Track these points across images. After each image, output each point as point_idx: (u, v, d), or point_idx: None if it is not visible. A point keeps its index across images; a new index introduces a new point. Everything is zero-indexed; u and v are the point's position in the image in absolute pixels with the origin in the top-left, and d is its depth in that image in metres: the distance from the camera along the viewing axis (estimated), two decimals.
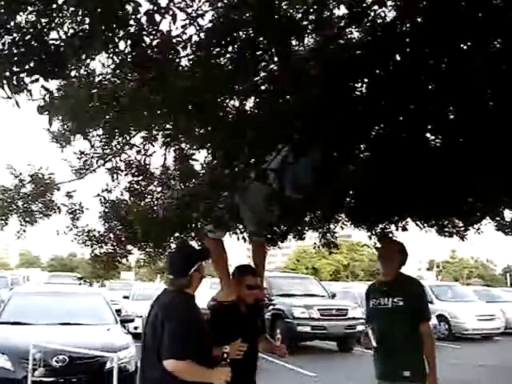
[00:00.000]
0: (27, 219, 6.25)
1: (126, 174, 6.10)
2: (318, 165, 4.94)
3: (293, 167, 4.91)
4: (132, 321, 12.57)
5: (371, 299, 5.11)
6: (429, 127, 5.23)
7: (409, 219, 7.15)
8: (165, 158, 6.09)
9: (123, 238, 6.13)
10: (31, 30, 3.27)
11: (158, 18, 3.33)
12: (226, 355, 3.84)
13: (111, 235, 6.25)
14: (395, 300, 4.88)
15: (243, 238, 5.97)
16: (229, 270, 4.91)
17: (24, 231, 6.39)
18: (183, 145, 5.59)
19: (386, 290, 4.99)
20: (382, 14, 4.64)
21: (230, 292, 4.63)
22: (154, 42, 3.43)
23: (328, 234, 7.73)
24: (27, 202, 6.16)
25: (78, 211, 6.59)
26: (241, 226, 5.84)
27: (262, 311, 5.03)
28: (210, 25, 3.95)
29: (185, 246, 5.01)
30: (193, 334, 3.63)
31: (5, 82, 3.17)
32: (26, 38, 3.24)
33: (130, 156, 6.20)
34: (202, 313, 4.08)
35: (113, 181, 6.09)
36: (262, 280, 5.21)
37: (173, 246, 6.02)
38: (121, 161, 6.03)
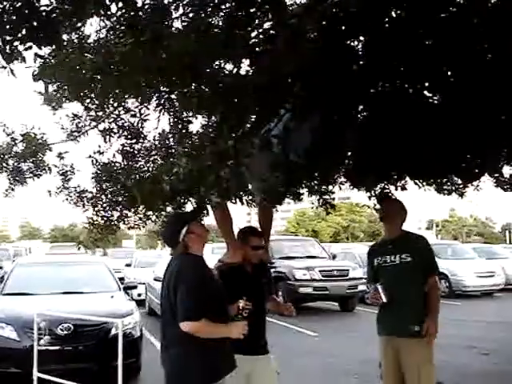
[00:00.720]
0: (17, 178, 6.20)
1: (118, 137, 6.05)
2: (318, 128, 4.91)
3: (295, 132, 4.90)
4: (135, 287, 12.67)
5: (375, 258, 5.12)
6: (427, 84, 5.18)
7: (408, 178, 7.14)
8: (158, 121, 6.02)
9: (118, 201, 6.11)
10: None
11: None
12: (241, 309, 3.92)
13: (103, 197, 6.22)
14: (403, 256, 4.90)
15: (247, 202, 5.98)
16: (234, 233, 4.99)
17: (12, 190, 6.35)
18: (178, 110, 5.54)
19: (391, 248, 5.01)
20: None
21: (235, 254, 4.71)
22: (146, 4, 3.38)
23: (326, 195, 7.71)
24: (18, 161, 6.11)
25: (69, 172, 6.55)
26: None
27: (268, 271, 5.09)
28: None
29: (170, 217, 5.10)
30: (204, 293, 3.70)
31: None
32: (17, 6, 3.19)
33: (123, 119, 6.13)
34: (212, 271, 4.16)
35: (105, 143, 6.04)
36: (268, 243, 5.27)
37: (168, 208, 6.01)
38: (114, 123, 5.95)
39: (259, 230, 5.01)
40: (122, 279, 14.17)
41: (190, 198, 5.29)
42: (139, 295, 16.95)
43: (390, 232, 5.17)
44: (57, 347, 7.84)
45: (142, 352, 8.78)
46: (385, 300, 4.83)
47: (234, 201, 4.94)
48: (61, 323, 7.87)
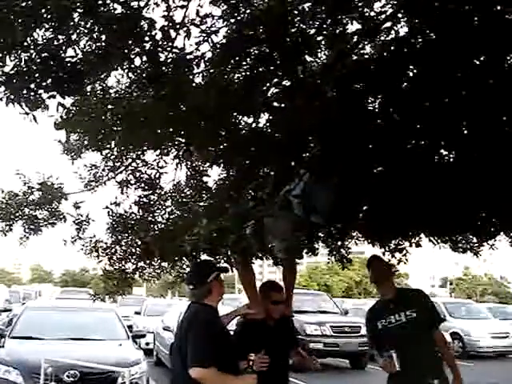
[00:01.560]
0: (32, 226, 6.24)
1: (136, 188, 6.11)
2: (336, 188, 4.95)
3: (315, 193, 4.93)
4: (143, 336, 12.54)
5: (378, 321, 4.99)
6: (443, 143, 5.21)
7: (422, 235, 7.11)
8: (175, 173, 6.09)
9: (133, 253, 6.13)
10: (48, 47, 3.31)
11: (172, 34, 3.36)
12: (251, 363, 3.90)
13: (118, 248, 6.25)
14: (407, 313, 4.83)
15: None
16: (256, 288, 5.02)
17: (27, 238, 6.38)
18: (195, 163, 5.60)
19: (393, 307, 4.94)
20: (395, 29, 4.64)
21: (259, 309, 4.71)
22: (169, 59, 3.45)
23: (342, 250, 7.69)
24: (33, 209, 6.16)
25: (84, 222, 6.59)
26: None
27: (291, 325, 5.09)
28: (223, 41, 3.97)
29: (203, 259, 5.14)
30: (215, 344, 3.71)
31: (22, 98, 3.20)
32: (43, 55, 3.28)
33: (140, 171, 6.21)
34: (224, 325, 4.16)
35: (122, 194, 6.10)
36: (291, 299, 5.29)
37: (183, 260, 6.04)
38: (132, 175, 6.03)
39: (280, 284, 5.03)
40: (130, 327, 14.04)
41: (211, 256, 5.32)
42: (147, 344, 16.73)
43: (385, 292, 5.11)
44: None
45: None
46: (398, 368, 4.72)
47: (254, 260, 4.96)
48: (68, 370, 7.81)
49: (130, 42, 3.13)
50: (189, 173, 5.58)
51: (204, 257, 5.58)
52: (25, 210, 6.16)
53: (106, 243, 6.42)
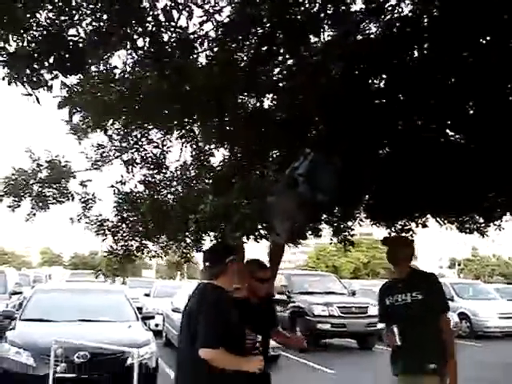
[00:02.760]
0: (40, 204, 6.28)
1: (141, 167, 6.12)
2: (341, 166, 4.93)
3: (321, 171, 4.92)
4: (153, 318, 12.63)
5: (387, 297, 5.07)
6: (449, 123, 5.19)
7: (429, 216, 7.11)
8: (181, 152, 6.09)
9: (138, 231, 6.17)
10: (50, 28, 3.31)
11: (175, 14, 3.35)
12: (258, 344, 3.92)
13: (124, 226, 6.28)
14: (413, 294, 4.86)
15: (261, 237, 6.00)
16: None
17: (34, 215, 6.41)
18: (200, 143, 5.60)
19: (401, 287, 4.97)
20: (400, 8, 4.60)
21: (242, 289, 4.68)
22: (172, 39, 3.44)
23: (345, 232, 7.70)
24: (42, 186, 6.19)
25: (90, 200, 6.62)
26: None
27: (272, 304, 5.05)
28: (226, 20, 3.94)
29: (226, 242, 5.15)
30: (224, 325, 3.74)
31: (25, 78, 3.21)
32: (46, 35, 3.28)
33: (146, 150, 6.22)
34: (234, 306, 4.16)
35: (128, 173, 6.12)
36: (274, 278, 5.27)
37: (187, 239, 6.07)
38: (137, 154, 6.04)
39: (265, 263, 5.00)
40: (140, 309, 14.13)
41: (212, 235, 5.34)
42: (157, 325, 16.85)
43: (399, 271, 5.12)
44: (73, 375, 7.81)
45: (157, 383, 8.72)
46: (398, 343, 4.78)
47: (259, 240, 4.97)
48: (77, 351, 7.86)
49: (133, 22, 3.13)
50: (193, 152, 5.57)
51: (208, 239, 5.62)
52: (33, 186, 6.19)
53: (111, 222, 6.45)
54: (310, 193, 4.89)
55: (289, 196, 4.79)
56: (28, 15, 3.24)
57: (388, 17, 4.53)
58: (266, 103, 4.69)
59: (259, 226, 4.73)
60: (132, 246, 6.34)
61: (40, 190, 6.23)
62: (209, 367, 3.70)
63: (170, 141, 5.87)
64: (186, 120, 4.62)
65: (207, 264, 4.08)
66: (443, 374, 4.76)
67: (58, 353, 7.55)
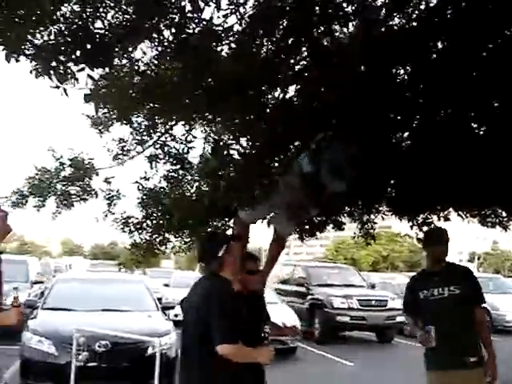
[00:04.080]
0: (64, 202, 6.33)
1: (164, 163, 6.14)
2: (358, 155, 4.90)
3: (333, 158, 4.89)
4: (173, 308, 12.72)
5: (420, 291, 4.95)
6: (473, 115, 5.15)
7: (451, 209, 7.06)
8: (204, 148, 6.11)
9: (161, 224, 6.20)
10: (76, 20, 3.33)
11: (201, 4, 3.35)
12: (267, 335, 3.89)
13: (148, 222, 6.31)
14: (451, 288, 4.79)
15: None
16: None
17: (59, 213, 6.47)
18: (222, 136, 5.61)
19: (438, 280, 4.89)
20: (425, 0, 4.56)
21: (235, 282, 4.63)
22: (197, 30, 3.45)
23: (367, 225, 7.68)
24: (66, 185, 6.25)
25: (114, 197, 6.66)
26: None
27: (262, 297, 4.92)
28: (251, 12, 3.93)
29: (212, 232, 5.05)
30: (236, 318, 3.69)
31: (52, 71, 3.23)
32: (72, 28, 3.31)
33: (169, 145, 6.24)
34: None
35: (151, 168, 6.14)
36: (267, 276, 5.27)
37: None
38: (160, 149, 6.06)
39: (255, 254, 4.94)
40: (159, 299, 14.23)
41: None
42: (176, 316, 16.96)
43: (437, 263, 5.02)
44: (94, 364, 7.91)
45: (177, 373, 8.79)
46: (434, 344, 4.69)
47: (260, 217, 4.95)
48: (99, 340, 7.95)
49: (158, 13, 3.13)
50: (215, 147, 5.56)
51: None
52: (57, 185, 6.24)
53: (136, 218, 6.49)
54: (315, 174, 4.83)
55: (297, 186, 4.76)
56: (53, 8, 3.26)
57: (412, 8, 4.51)
58: (289, 94, 4.69)
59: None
60: (155, 239, 6.36)
61: (64, 188, 6.28)
62: (217, 366, 3.65)
63: (194, 136, 5.87)
64: (209, 113, 4.62)
65: (203, 264, 4.03)
66: (483, 365, 4.73)
67: (80, 341, 7.64)
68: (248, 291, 4.50)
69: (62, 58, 3.23)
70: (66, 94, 3.36)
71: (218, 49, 3.81)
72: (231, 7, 3.75)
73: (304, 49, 4.22)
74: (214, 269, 3.89)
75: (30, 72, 3.27)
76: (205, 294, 3.79)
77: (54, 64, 3.23)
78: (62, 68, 3.24)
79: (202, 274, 4.09)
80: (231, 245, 3.93)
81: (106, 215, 6.68)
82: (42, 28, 3.24)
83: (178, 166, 6.13)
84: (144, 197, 6.32)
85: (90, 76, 3.44)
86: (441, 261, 4.98)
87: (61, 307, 9.53)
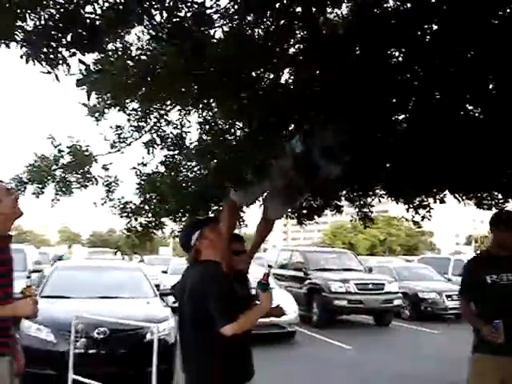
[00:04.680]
0: (64, 189, 6.33)
1: (161, 148, 6.14)
2: (351, 138, 4.89)
3: (325, 140, 4.87)
4: (171, 294, 12.72)
5: (488, 275, 4.66)
6: (468, 97, 5.13)
7: (447, 192, 7.07)
8: (200, 134, 6.10)
9: (158, 210, 6.21)
10: (67, 5, 3.30)
11: None
12: (266, 276, 3.80)
13: (146, 207, 6.32)
14: None
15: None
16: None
17: (58, 200, 6.47)
18: (218, 120, 5.60)
19: (507, 265, 4.63)
20: None
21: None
22: (189, 13, 3.42)
23: (365, 208, 7.69)
24: (65, 172, 6.25)
25: (113, 184, 6.66)
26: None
27: (246, 277, 4.89)
28: None
29: (187, 224, 5.02)
30: (233, 297, 3.69)
31: (43, 56, 3.21)
32: (62, 12, 3.27)
33: (165, 131, 6.23)
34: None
35: (148, 154, 6.14)
36: (254, 254, 5.31)
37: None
38: (157, 135, 6.06)
39: (240, 235, 4.95)
40: (157, 286, 14.27)
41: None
42: (174, 302, 17.01)
43: (500, 248, 4.77)
44: (93, 350, 7.93)
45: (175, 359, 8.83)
46: (502, 340, 4.40)
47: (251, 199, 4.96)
48: (97, 327, 7.97)
49: None
50: (211, 131, 5.55)
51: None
52: (56, 172, 6.24)
53: (134, 204, 6.50)
54: (306, 155, 4.81)
55: (289, 168, 4.75)
56: None
57: None
58: (284, 78, 4.68)
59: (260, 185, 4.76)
60: (151, 223, 6.38)
61: (63, 175, 6.28)
62: (212, 351, 3.66)
63: (189, 121, 5.88)
64: (202, 98, 4.60)
65: (185, 252, 4.05)
66: None
67: (79, 328, 7.66)
68: (234, 271, 4.51)
69: (52, 43, 3.20)
70: (58, 80, 3.33)
71: (211, 32, 3.79)
72: None
73: (298, 32, 4.20)
74: (192, 257, 3.90)
75: (21, 57, 3.25)
76: (198, 279, 3.76)
77: (44, 50, 3.20)
78: (52, 53, 3.22)
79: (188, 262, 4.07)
80: (204, 230, 3.89)
81: (105, 201, 6.69)
82: (32, 13, 3.20)
83: (176, 152, 6.13)
84: (142, 182, 6.33)
85: (81, 61, 3.42)
86: (509, 247, 4.71)
87: (59, 295, 9.54)
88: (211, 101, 4.75)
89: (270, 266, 4.39)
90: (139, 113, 6.02)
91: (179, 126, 6.13)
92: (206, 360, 3.74)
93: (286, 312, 4.82)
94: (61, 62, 3.28)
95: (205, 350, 3.71)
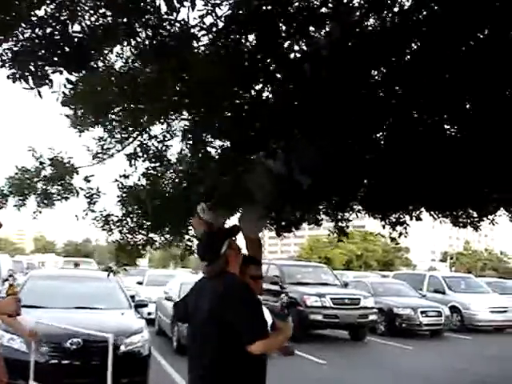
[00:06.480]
0: (45, 201, 6.30)
1: (143, 160, 6.14)
2: (328, 151, 4.93)
3: (302, 152, 4.90)
4: (146, 306, 12.67)
5: None
6: (445, 116, 5.23)
7: (423, 209, 7.16)
8: (182, 149, 6.11)
9: (141, 223, 6.20)
10: (53, 24, 3.27)
11: (177, 5, 3.34)
12: (284, 304, 3.73)
13: (128, 220, 6.31)
14: None
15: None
16: None
17: (40, 212, 6.44)
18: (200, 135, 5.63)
19: None
20: (400, 1, 4.62)
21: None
22: (173, 32, 3.44)
23: (341, 222, 7.74)
24: (46, 184, 6.23)
25: (94, 195, 6.64)
26: None
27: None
28: (229, 12, 3.93)
29: (209, 230, 4.82)
30: (261, 311, 3.53)
31: (29, 75, 3.20)
32: (48, 31, 3.25)
33: (147, 144, 6.24)
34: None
35: (130, 166, 6.14)
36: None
37: (190, 231, 6.09)
38: (139, 147, 6.07)
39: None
40: (132, 297, 14.20)
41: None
42: (149, 314, 16.92)
43: None
44: (65, 361, 7.88)
45: (149, 371, 8.79)
46: None
47: (229, 212, 4.96)
48: (70, 337, 7.92)
49: (134, 14, 3.12)
50: (192, 144, 5.57)
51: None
52: (37, 184, 6.22)
53: (117, 216, 6.48)
54: (286, 167, 4.81)
55: (264, 182, 4.76)
56: (29, 11, 3.21)
57: (387, 10, 4.56)
58: (265, 94, 4.71)
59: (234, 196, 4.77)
60: (139, 240, 6.36)
61: (44, 187, 6.26)
62: (230, 365, 3.48)
63: (172, 135, 5.89)
64: (186, 113, 4.62)
65: (206, 264, 3.72)
66: None
67: (51, 339, 7.60)
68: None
69: (39, 62, 3.19)
70: (40, 96, 3.32)
71: (195, 50, 3.80)
72: (207, 7, 3.76)
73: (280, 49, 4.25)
74: (220, 267, 3.63)
75: (8, 77, 3.22)
76: (219, 294, 3.54)
77: (32, 69, 3.18)
78: (39, 71, 3.21)
79: (206, 274, 3.76)
80: (232, 240, 3.75)
81: (87, 213, 6.65)
82: (17, 32, 3.19)
83: (157, 164, 6.14)
84: (124, 195, 6.31)
85: (68, 80, 3.41)
86: None
87: (32, 305, 9.42)
88: (194, 116, 4.77)
89: (284, 293, 4.17)
90: (122, 126, 6.02)
91: (162, 140, 6.15)
92: (225, 378, 3.52)
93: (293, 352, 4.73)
94: (47, 81, 3.27)
95: (221, 365, 3.50)
